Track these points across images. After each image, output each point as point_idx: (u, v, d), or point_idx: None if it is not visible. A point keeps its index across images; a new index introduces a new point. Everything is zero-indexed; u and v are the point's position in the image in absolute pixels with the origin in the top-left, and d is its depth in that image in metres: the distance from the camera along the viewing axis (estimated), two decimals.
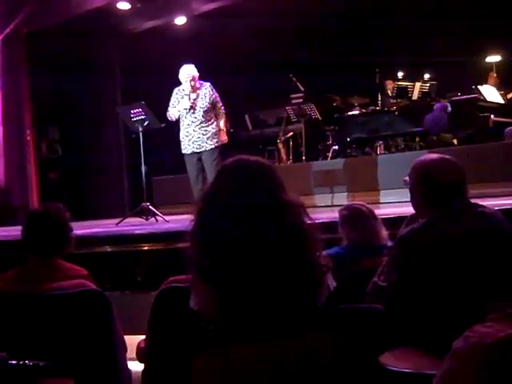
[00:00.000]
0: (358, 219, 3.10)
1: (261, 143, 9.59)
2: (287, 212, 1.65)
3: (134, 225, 6.71)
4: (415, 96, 9.09)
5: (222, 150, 6.56)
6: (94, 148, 10.15)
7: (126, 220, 7.00)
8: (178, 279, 2.30)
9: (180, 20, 9.79)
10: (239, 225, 1.60)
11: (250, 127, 10.12)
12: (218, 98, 6.60)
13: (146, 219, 6.94)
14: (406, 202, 2.74)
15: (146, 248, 5.28)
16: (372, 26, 10.60)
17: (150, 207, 7.01)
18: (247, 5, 9.29)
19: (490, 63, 10.80)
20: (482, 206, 2.49)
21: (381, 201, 7.23)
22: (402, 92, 9.21)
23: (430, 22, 10.15)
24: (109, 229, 6.75)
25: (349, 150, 9.27)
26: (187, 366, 1.59)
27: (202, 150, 6.50)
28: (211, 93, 6.52)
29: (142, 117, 7.00)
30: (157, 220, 6.86)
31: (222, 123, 6.62)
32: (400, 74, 10.43)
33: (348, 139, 9.34)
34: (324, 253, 1.77)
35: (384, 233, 3.10)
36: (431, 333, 2.20)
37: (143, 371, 2.47)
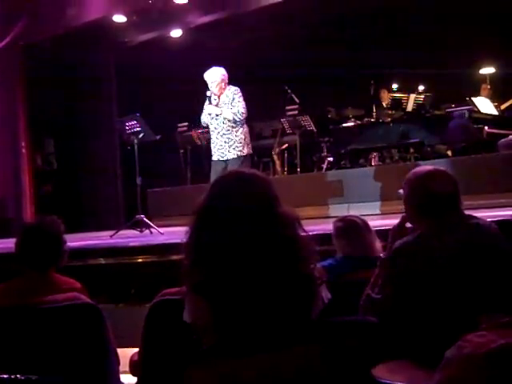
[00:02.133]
0: (352, 231, 3.11)
1: (256, 155, 9.58)
2: (282, 225, 1.64)
3: (128, 237, 6.70)
4: (410, 108, 9.11)
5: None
6: (89, 160, 10.15)
7: (121, 232, 6.98)
8: (172, 292, 2.30)
9: (176, 33, 9.83)
10: (233, 238, 1.60)
11: None
12: (240, 104, 6.20)
13: (141, 231, 6.93)
14: (400, 213, 2.74)
15: (140, 260, 5.26)
16: (367, 38, 10.65)
17: (145, 219, 7.00)
18: (242, 18, 9.34)
19: (484, 75, 10.85)
20: (475, 217, 2.50)
21: (375, 212, 7.23)
22: (397, 104, 9.24)
23: (424, 34, 10.20)
24: (103, 241, 6.73)
25: (343, 162, 9.28)
26: (180, 379, 1.58)
27: (226, 158, 6.25)
28: (233, 97, 6.22)
29: (137, 129, 7.01)
30: (151, 232, 6.84)
31: (239, 133, 6.26)
32: (395, 86, 10.47)
33: (343, 151, 9.35)
34: (318, 265, 1.77)
35: (378, 245, 3.10)
36: (425, 345, 2.19)
37: None
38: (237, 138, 6.24)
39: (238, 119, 6.21)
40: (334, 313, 1.77)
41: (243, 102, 6.24)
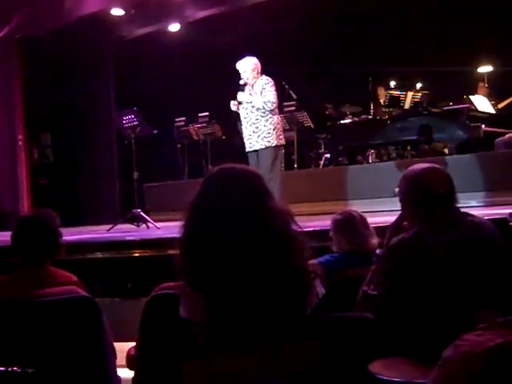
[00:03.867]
0: (350, 225, 3.12)
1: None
2: (275, 219, 1.65)
3: (125, 231, 6.70)
4: (407, 105, 9.11)
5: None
6: (86, 154, 10.13)
7: (117, 226, 6.98)
8: (169, 286, 2.30)
9: (174, 27, 9.82)
10: (227, 233, 1.60)
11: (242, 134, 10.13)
12: (270, 93, 6.08)
13: (137, 226, 6.93)
14: (397, 210, 2.74)
15: (136, 254, 5.26)
16: (365, 35, 10.65)
17: (142, 214, 7.00)
18: (240, 12, 9.32)
19: (482, 73, 10.86)
20: (471, 215, 2.50)
21: (372, 209, 7.23)
22: (395, 101, 9.23)
23: (423, 32, 10.20)
24: (100, 235, 6.73)
25: (341, 158, 9.29)
26: (177, 374, 1.58)
27: (254, 148, 6.15)
28: (263, 86, 6.11)
29: (135, 123, 7.00)
30: (148, 227, 6.84)
31: (269, 123, 6.12)
32: (392, 84, 10.47)
33: (340, 147, 9.36)
34: (314, 261, 1.78)
35: (375, 241, 3.11)
36: (421, 341, 2.20)
37: (133, 378, 2.46)
38: (265, 128, 6.10)
39: (267, 108, 6.08)
40: (331, 309, 1.78)
41: (274, 92, 6.14)
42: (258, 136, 6.10)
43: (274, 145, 6.12)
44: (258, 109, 6.12)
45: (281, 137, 6.24)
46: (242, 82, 6.22)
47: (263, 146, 6.09)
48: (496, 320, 1.02)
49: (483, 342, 0.95)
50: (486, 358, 0.93)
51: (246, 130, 6.21)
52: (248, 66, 6.19)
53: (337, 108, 9.97)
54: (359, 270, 2.75)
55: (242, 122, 6.31)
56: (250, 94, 6.19)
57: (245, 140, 6.26)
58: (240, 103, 6.24)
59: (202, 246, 1.62)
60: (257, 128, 6.12)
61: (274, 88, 6.17)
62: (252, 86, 6.21)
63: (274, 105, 6.13)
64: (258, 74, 6.21)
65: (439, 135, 8.25)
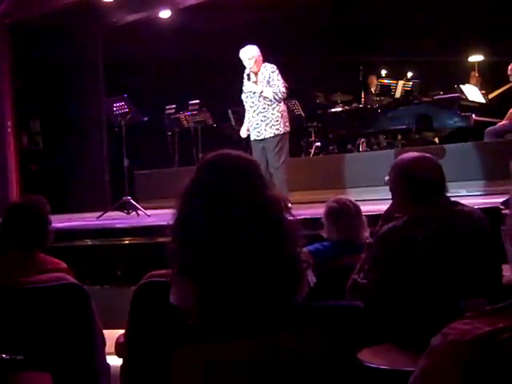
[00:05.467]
0: (343, 214, 3.12)
1: (244, 139, 9.57)
2: (268, 207, 1.64)
3: (115, 219, 6.68)
4: (398, 94, 9.11)
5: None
6: (76, 141, 10.08)
7: (107, 214, 6.96)
8: (159, 274, 2.30)
9: (165, 13, 9.74)
10: (220, 220, 1.60)
11: (233, 122, 10.10)
12: (279, 82, 6.02)
13: (128, 213, 6.91)
14: (387, 199, 2.75)
15: (126, 242, 5.26)
16: (356, 24, 10.63)
17: (132, 201, 6.98)
18: (231, 0, 9.27)
19: (473, 63, 10.87)
20: (461, 204, 2.51)
21: (362, 198, 7.24)
22: (385, 90, 9.23)
23: (414, 21, 10.20)
24: (89, 222, 6.72)
25: (331, 147, 9.29)
26: (166, 361, 1.58)
27: (262, 137, 6.10)
28: (269, 75, 6.05)
29: (125, 110, 6.96)
30: (138, 214, 6.83)
31: (276, 111, 6.07)
32: (383, 72, 10.47)
33: (331, 136, 9.35)
34: (304, 249, 1.77)
35: (366, 231, 3.11)
36: (410, 329, 2.22)
37: (122, 366, 2.46)
38: (273, 116, 6.06)
39: (278, 98, 6.04)
40: (321, 297, 1.78)
41: (282, 80, 6.08)
42: (267, 124, 6.07)
43: (282, 132, 6.09)
44: (265, 97, 6.06)
45: (287, 124, 6.21)
46: (247, 72, 6.15)
47: (272, 134, 6.06)
48: (484, 308, 1.03)
49: (471, 330, 0.96)
50: (475, 346, 0.94)
51: (254, 119, 6.15)
52: (252, 53, 6.09)
53: (327, 96, 9.96)
54: (349, 259, 2.76)
55: (248, 111, 6.24)
56: (255, 82, 6.12)
57: (251, 129, 6.21)
58: (245, 92, 6.18)
59: (194, 233, 1.61)
60: (264, 117, 6.08)
61: (280, 75, 6.11)
62: (256, 74, 6.16)
63: (285, 94, 6.07)
64: (259, 61, 6.14)
65: (429, 124, 8.27)
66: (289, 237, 1.65)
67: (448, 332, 0.98)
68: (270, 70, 6.09)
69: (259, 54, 6.16)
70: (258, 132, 6.13)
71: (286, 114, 6.24)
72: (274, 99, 6.04)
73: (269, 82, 6.05)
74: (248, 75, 6.14)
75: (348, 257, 2.84)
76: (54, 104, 10.06)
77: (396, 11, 10.20)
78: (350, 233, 3.08)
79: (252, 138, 6.22)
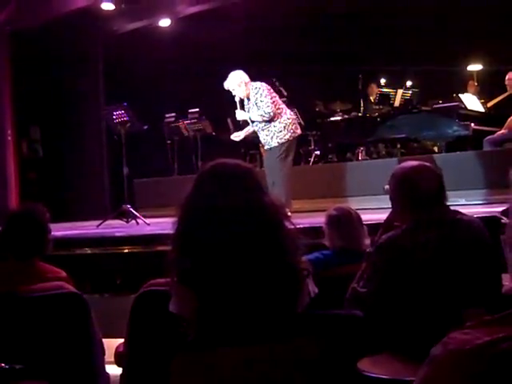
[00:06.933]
0: (344, 222, 3.12)
1: (243, 147, 9.58)
2: (268, 215, 1.64)
3: (114, 227, 6.68)
4: (397, 103, 9.14)
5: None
6: (76, 149, 10.08)
7: (107, 222, 6.95)
8: (158, 282, 2.29)
9: (164, 22, 9.77)
10: (219, 228, 1.60)
11: (232, 130, 10.13)
12: (262, 103, 6.02)
13: (127, 222, 6.91)
14: (387, 208, 2.75)
15: (126, 251, 5.25)
16: (356, 33, 10.67)
17: (131, 210, 6.98)
18: (231, 8, 9.31)
19: (471, 72, 10.90)
20: (460, 213, 2.52)
21: (362, 207, 7.24)
22: (385, 99, 9.26)
23: (413, 31, 10.23)
24: (89, 231, 6.70)
25: (330, 156, 9.30)
26: (165, 370, 1.58)
27: (269, 147, 6.24)
28: (255, 97, 6.07)
29: (125, 119, 6.97)
30: (137, 223, 6.82)
31: (278, 123, 6.10)
32: (383, 81, 10.49)
33: (330, 144, 9.37)
34: (303, 258, 1.77)
35: (367, 240, 3.11)
36: (409, 339, 2.21)
37: (121, 375, 2.45)
38: (276, 129, 6.12)
39: (266, 118, 6.08)
40: (320, 306, 1.78)
41: (266, 99, 6.05)
42: (271, 137, 6.16)
43: (286, 140, 6.14)
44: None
45: (292, 128, 6.18)
46: (237, 99, 6.17)
47: (277, 144, 6.15)
48: (483, 318, 1.03)
49: (471, 339, 0.96)
50: (475, 355, 0.94)
51: (260, 134, 6.27)
52: (235, 83, 6.11)
53: (327, 105, 9.99)
54: (349, 268, 2.76)
55: (253, 126, 6.32)
56: (249, 106, 6.17)
57: (261, 140, 6.36)
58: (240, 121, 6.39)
59: (194, 242, 1.62)
60: (269, 131, 6.16)
61: (266, 93, 6.09)
62: (247, 98, 6.18)
63: (271, 112, 6.05)
64: (246, 84, 6.13)
65: (429, 133, 8.28)
66: (288, 244, 1.65)
67: (448, 341, 0.98)
68: (254, 92, 6.10)
69: (245, 75, 6.16)
70: (267, 143, 6.25)
71: (291, 121, 6.22)
72: (264, 121, 6.10)
73: (256, 104, 6.09)
74: (240, 101, 6.17)
75: (348, 265, 2.83)
76: (54, 111, 10.07)
77: (395, 20, 10.24)
78: (352, 241, 3.08)
79: (265, 147, 6.43)
